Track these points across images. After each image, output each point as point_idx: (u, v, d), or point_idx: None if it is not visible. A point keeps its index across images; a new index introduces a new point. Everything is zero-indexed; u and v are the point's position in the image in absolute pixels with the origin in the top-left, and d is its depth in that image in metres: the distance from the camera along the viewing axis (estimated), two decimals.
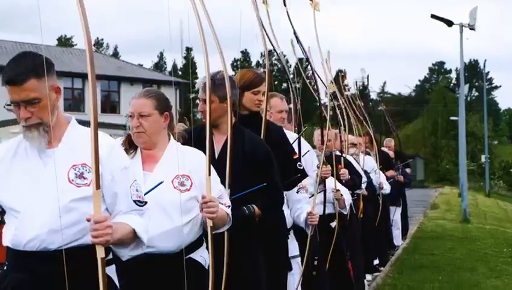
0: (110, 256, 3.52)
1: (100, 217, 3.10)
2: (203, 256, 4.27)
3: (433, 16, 24.15)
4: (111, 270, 3.46)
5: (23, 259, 3.32)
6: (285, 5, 6.41)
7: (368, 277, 10.77)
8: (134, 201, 3.46)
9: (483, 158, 48.83)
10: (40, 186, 3.28)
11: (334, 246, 7.36)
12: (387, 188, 12.04)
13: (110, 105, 44.31)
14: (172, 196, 4.06)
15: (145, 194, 3.64)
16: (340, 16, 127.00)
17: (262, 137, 4.89)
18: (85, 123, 3.66)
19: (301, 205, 6.02)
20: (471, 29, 24.20)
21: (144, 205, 3.52)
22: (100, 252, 3.09)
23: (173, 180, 4.13)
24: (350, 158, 9.57)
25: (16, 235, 3.31)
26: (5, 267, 3.45)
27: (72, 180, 3.31)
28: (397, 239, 14.67)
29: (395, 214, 14.27)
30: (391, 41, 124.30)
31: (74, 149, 3.38)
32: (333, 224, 7.66)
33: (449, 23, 24.11)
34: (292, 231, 6.05)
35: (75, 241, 3.30)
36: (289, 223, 5.91)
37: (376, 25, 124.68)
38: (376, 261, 11.73)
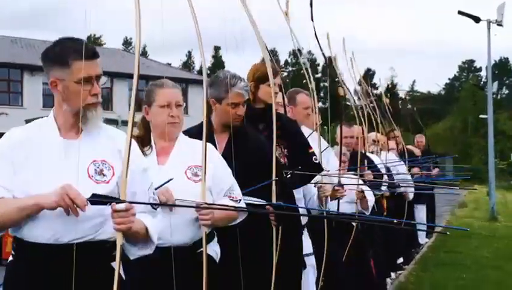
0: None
1: (128, 205, 3.14)
2: (215, 250, 4.29)
3: (460, 12, 23.93)
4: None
5: (34, 251, 3.29)
6: (312, 20, 6.46)
7: (392, 275, 10.72)
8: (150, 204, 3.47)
9: None
10: (59, 177, 3.21)
11: (354, 244, 7.32)
12: (411, 195, 11.93)
13: (137, 103, 44.46)
14: (186, 187, 4.07)
15: (156, 189, 3.66)
16: (370, 14, 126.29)
17: (274, 128, 4.85)
18: (112, 121, 3.69)
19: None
20: (498, 25, 23.96)
21: (157, 208, 3.55)
22: (120, 240, 3.16)
23: (186, 171, 4.15)
24: (373, 157, 9.54)
25: (28, 226, 3.27)
26: (11, 258, 3.43)
27: (92, 175, 3.30)
28: (422, 237, 14.57)
29: (420, 211, 14.16)
30: (421, 38, 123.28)
31: (95, 144, 3.37)
32: (354, 223, 7.64)
33: (476, 20, 23.89)
34: (306, 228, 6.04)
35: (87, 236, 3.28)
36: (303, 220, 5.92)
37: (405, 23, 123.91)
38: (400, 260, 11.67)
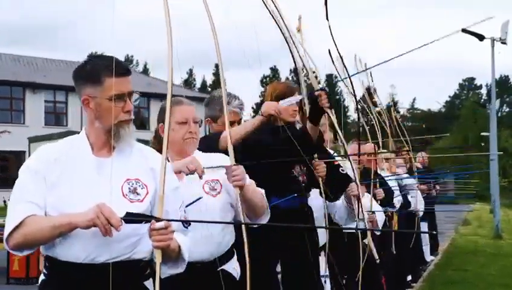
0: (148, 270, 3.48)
1: (167, 223, 3.11)
2: (235, 268, 4.27)
3: (464, 30, 23.93)
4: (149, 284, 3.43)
5: (68, 270, 3.25)
6: (327, 19, 6.39)
7: None
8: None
9: None
10: (93, 195, 3.18)
11: (365, 262, 7.28)
12: (421, 211, 11.94)
13: (139, 121, 44.59)
14: (205, 201, 4.08)
15: (186, 206, 3.64)
16: (371, 31, 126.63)
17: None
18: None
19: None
20: (502, 43, 24.01)
21: (188, 226, 3.52)
22: (159, 258, 3.12)
23: (204, 186, 4.15)
24: (383, 174, 9.54)
25: (62, 245, 3.23)
26: (43, 277, 3.39)
27: (126, 194, 3.27)
28: (426, 254, 14.55)
29: (423, 228, 14.16)
30: (421, 56, 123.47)
31: (128, 162, 3.35)
32: (366, 241, 7.61)
33: (480, 38, 23.93)
34: (323, 251, 6.03)
35: (122, 256, 3.25)
36: (321, 241, 5.92)
37: (406, 40, 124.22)
38: (409, 278, 11.65)
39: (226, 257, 4.23)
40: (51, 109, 43.29)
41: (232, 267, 4.26)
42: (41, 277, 3.40)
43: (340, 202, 6.16)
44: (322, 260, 5.99)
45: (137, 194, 3.29)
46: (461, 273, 13.13)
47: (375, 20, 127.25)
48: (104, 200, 3.12)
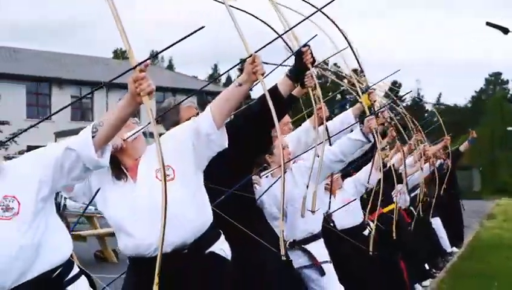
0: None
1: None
2: (223, 248, 4.23)
3: (488, 24, 23.80)
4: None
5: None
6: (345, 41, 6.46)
7: (426, 282, 10.77)
8: None
9: None
10: None
11: (378, 249, 7.28)
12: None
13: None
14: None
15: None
16: (397, 26, 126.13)
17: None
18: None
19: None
20: None
21: None
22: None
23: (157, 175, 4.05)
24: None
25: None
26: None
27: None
28: (445, 244, 14.52)
29: (435, 223, 14.16)
30: (447, 51, 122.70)
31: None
32: (366, 232, 7.66)
33: (505, 31, 23.77)
34: (322, 239, 6.26)
35: (27, 274, 3.47)
36: (317, 228, 6.19)
37: (431, 35, 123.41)
38: (426, 267, 11.70)
39: (210, 240, 4.17)
40: (77, 104, 43.59)
41: (219, 247, 4.21)
42: None
43: (345, 137, 6.26)
44: (322, 248, 6.18)
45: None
46: (484, 266, 13.09)
47: (396, 17, 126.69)
48: None
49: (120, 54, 72.53)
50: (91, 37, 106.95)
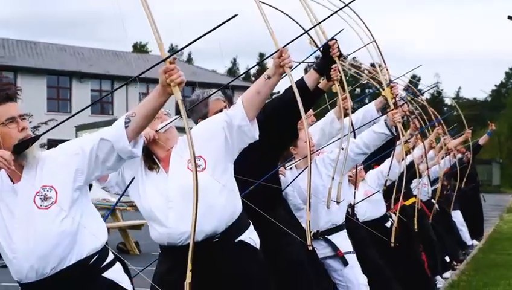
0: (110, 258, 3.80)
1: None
2: (252, 237, 4.32)
3: (510, 17, 23.71)
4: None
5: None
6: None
7: (447, 274, 10.84)
8: None
9: None
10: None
11: (395, 241, 7.31)
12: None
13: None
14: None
15: None
16: (415, 20, 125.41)
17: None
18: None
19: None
20: None
21: None
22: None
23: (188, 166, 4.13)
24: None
25: (11, 267, 3.67)
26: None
27: (40, 205, 3.60)
28: (465, 236, 14.57)
29: (455, 216, 14.20)
30: (467, 45, 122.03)
31: (37, 174, 3.64)
32: (388, 224, 7.73)
33: None
34: (345, 229, 6.38)
35: (62, 262, 3.61)
36: (341, 219, 6.31)
37: (451, 29, 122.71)
38: (447, 259, 11.75)
39: (240, 229, 4.27)
40: (97, 97, 43.80)
41: (248, 236, 4.30)
42: None
43: (370, 130, 6.35)
44: (346, 239, 6.34)
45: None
46: (504, 257, 13.17)
47: (415, 10, 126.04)
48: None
49: (140, 48, 72.77)
50: (111, 31, 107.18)
